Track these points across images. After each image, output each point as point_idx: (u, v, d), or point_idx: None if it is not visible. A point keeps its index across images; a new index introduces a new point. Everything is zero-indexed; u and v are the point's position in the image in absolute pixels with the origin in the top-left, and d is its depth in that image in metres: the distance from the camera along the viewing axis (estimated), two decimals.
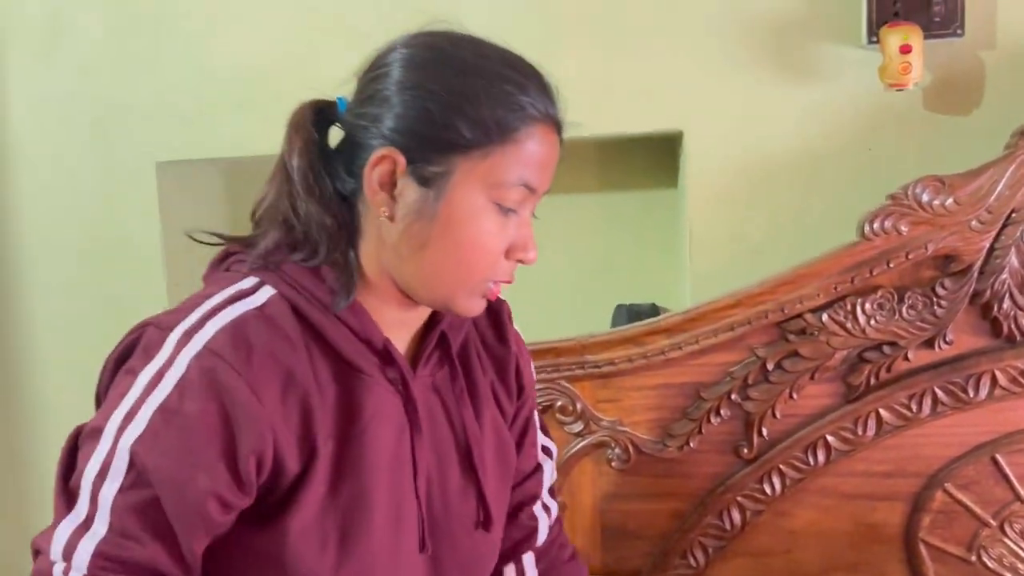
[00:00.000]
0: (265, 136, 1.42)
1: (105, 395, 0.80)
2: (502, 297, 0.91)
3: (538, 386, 1.35)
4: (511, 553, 1.00)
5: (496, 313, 0.95)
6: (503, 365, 0.94)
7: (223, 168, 1.83)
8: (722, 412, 1.35)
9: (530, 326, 1.55)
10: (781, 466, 1.34)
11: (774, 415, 1.33)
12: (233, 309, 0.77)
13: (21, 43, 1.62)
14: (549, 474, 1.02)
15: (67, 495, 0.76)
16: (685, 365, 1.35)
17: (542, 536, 1.00)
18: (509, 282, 0.83)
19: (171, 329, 0.76)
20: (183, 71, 1.58)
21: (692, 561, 1.39)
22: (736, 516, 1.36)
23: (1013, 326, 1.26)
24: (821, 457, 1.33)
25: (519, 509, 0.99)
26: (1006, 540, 1.32)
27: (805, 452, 1.33)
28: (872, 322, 1.28)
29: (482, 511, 0.89)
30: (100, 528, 0.73)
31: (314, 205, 0.78)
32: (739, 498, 1.36)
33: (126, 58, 1.60)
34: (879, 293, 1.28)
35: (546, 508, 1.02)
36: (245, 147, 1.58)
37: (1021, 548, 1.31)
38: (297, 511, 0.77)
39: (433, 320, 0.87)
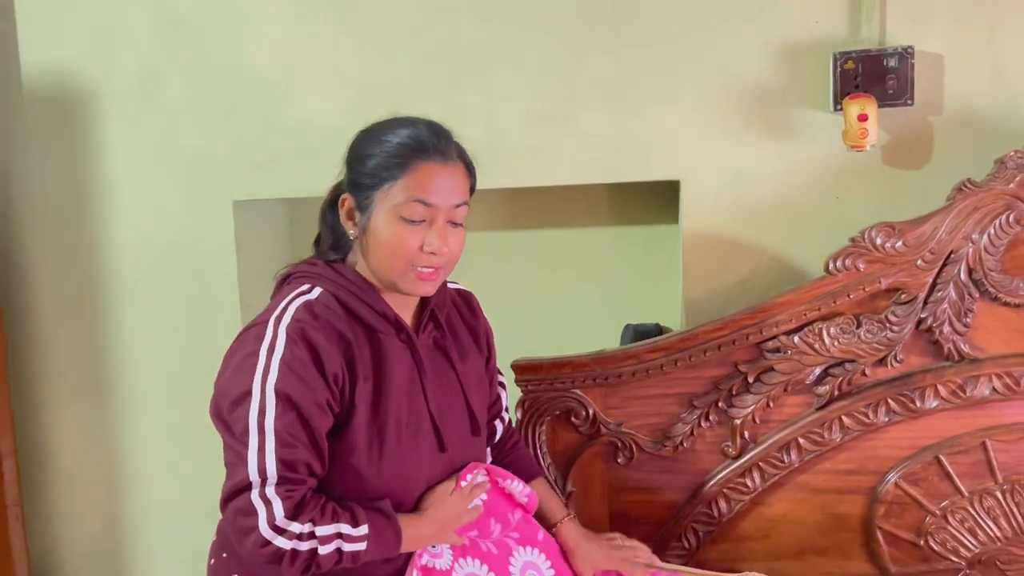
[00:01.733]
0: (323, 180, 1.73)
1: (230, 382, 1.15)
2: (468, 290, 1.40)
3: (553, 393, 1.63)
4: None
5: (468, 301, 1.39)
6: (476, 332, 1.36)
7: (288, 206, 2.10)
8: (711, 417, 1.59)
9: (549, 341, 1.82)
10: (761, 464, 1.58)
11: (755, 420, 1.58)
12: (301, 299, 1.18)
13: (118, 99, 1.89)
14: (504, 399, 1.47)
15: (239, 444, 1.11)
16: (680, 378, 1.60)
17: (498, 436, 1.46)
18: (432, 268, 1.17)
19: (267, 322, 1.16)
20: (257, 124, 1.85)
21: (685, 543, 1.63)
22: (723, 506, 1.61)
23: (952, 347, 1.50)
24: (795, 456, 1.57)
25: (488, 423, 1.40)
26: (948, 527, 1.55)
27: (781, 452, 1.57)
28: (836, 343, 1.53)
29: (472, 422, 1.30)
30: (271, 446, 1.09)
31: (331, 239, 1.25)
32: (725, 490, 1.60)
33: (208, 112, 1.86)
34: (841, 319, 1.53)
35: (501, 420, 1.46)
36: (307, 189, 1.85)
37: (961, 534, 1.54)
38: (352, 426, 1.16)
39: (425, 303, 1.26)
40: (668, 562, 1.60)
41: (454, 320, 1.34)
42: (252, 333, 1.16)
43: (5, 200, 1.98)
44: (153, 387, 1.95)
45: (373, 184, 1.16)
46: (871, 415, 1.54)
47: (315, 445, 1.13)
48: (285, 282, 1.26)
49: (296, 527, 1.09)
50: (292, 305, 1.17)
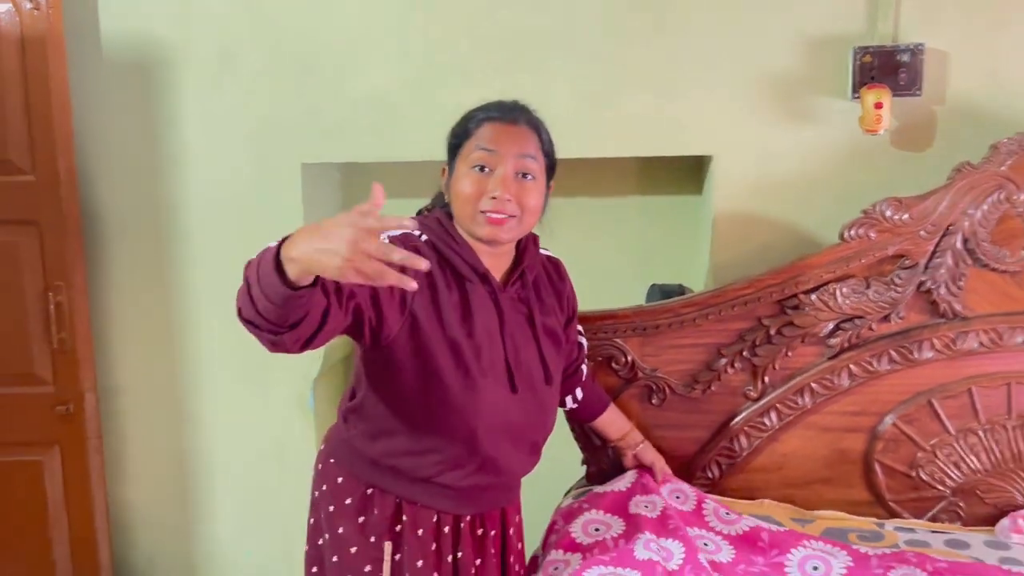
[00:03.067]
0: (385, 147, 1.92)
1: None
2: (558, 258, 1.60)
3: (596, 342, 1.84)
4: (569, 388, 1.69)
5: (556, 266, 1.59)
6: (560, 294, 1.56)
7: (343, 171, 2.29)
8: (736, 365, 1.82)
9: (585, 297, 2.04)
10: (778, 405, 1.81)
11: (774, 367, 1.80)
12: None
13: (196, 71, 2.05)
14: (583, 353, 1.69)
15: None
16: (709, 330, 1.82)
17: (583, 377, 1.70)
18: (499, 213, 1.34)
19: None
20: (325, 94, 2.03)
21: (709, 474, 1.87)
22: (743, 441, 1.84)
23: (947, 307, 1.73)
24: (807, 399, 1.80)
25: (573, 371, 1.67)
26: (936, 461, 1.79)
27: (796, 395, 1.80)
28: (847, 301, 1.76)
29: (544, 370, 1.47)
30: None
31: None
32: (746, 428, 1.83)
33: (279, 83, 2.03)
34: (853, 281, 1.75)
35: (581, 370, 1.70)
36: (371, 155, 2.04)
37: (947, 467, 1.79)
38: (426, 339, 1.34)
39: (518, 263, 1.46)
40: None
41: (542, 282, 1.54)
42: None
43: (86, 160, 2.14)
44: (221, 336, 2.14)
45: (455, 147, 1.41)
46: (875, 364, 1.77)
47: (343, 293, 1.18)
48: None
49: None
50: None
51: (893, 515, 1.81)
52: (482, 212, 1.36)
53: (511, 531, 1.57)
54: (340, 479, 1.47)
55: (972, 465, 1.78)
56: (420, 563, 1.43)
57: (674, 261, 2.25)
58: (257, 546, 2.28)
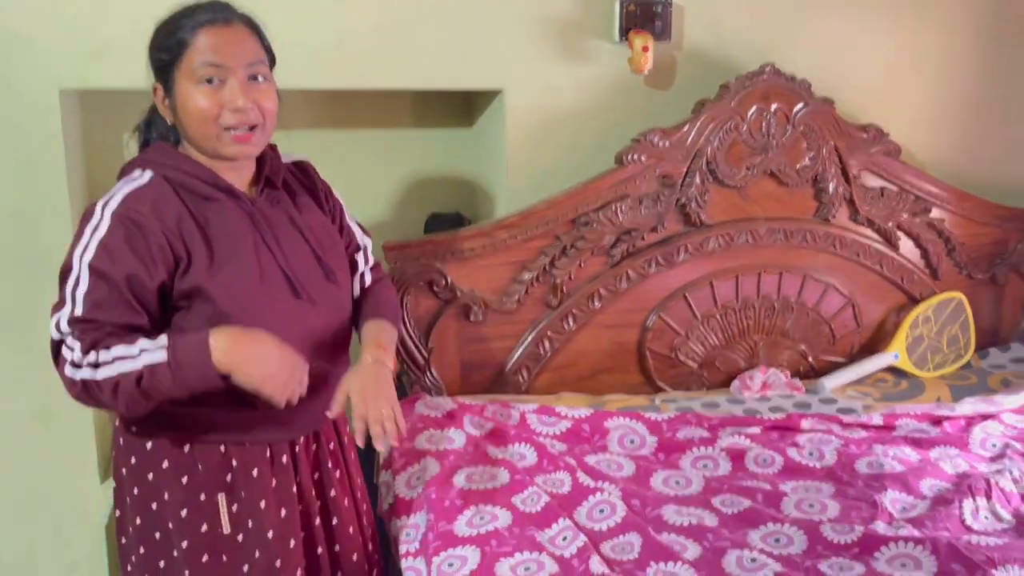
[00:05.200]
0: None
1: (64, 259, 1.30)
2: (303, 158, 1.55)
3: (418, 268, 1.95)
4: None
5: (303, 168, 1.54)
6: (315, 192, 1.53)
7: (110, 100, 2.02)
8: (540, 279, 2.06)
9: (369, 227, 2.10)
10: (574, 311, 2.09)
11: (570, 278, 2.07)
12: (130, 186, 1.33)
13: None
14: (361, 243, 1.63)
15: (54, 311, 1.29)
16: (517, 248, 2.03)
17: (367, 281, 1.63)
18: (238, 126, 1.32)
19: (95, 205, 1.31)
20: (90, 10, 1.78)
21: (520, 379, 2.10)
22: (547, 345, 2.09)
23: (696, 217, 2.13)
24: (597, 303, 2.11)
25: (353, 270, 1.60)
26: (688, 343, 2.21)
27: (587, 301, 2.09)
28: (625, 217, 2.08)
29: (323, 269, 1.45)
30: (78, 312, 1.27)
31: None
32: (549, 333, 2.09)
33: None
34: (628, 199, 2.08)
35: (372, 268, 1.65)
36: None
37: (696, 346, 2.21)
38: (198, 285, 1.32)
39: (260, 171, 1.44)
40: (505, 393, 2.07)
41: (293, 186, 1.51)
42: (85, 215, 1.31)
43: None
44: None
45: (169, 63, 1.31)
46: (645, 268, 2.12)
47: (132, 307, 1.28)
48: (126, 169, 1.38)
49: (91, 356, 1.24)
50: (120, 192, 1.32)
51: (658, 390, 2.21)
52: (226, 130, 1.32)
53: (345, 440, 1.59)
54: (149, 445, 1.40)
55: (712, 342, 2.23)
56: (263, 503, 1.42)
57: (449, 191, 2.39)
58: (21, 534, 2.00)
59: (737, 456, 1.83)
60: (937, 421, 2.02)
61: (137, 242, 1.28)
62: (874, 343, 2.39)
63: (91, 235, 1.28)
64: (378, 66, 1.96)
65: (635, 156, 2.05)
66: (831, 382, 2.25)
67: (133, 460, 1.41)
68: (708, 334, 2.22)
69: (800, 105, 2.15)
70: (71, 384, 1.26)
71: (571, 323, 2.10)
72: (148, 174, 1.34)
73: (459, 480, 1.68)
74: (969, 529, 1.60)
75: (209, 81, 1.30)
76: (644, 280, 2.13)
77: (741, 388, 2.21)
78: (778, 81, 2.12)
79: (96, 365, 1.25)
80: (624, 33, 2.07)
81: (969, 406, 2.07)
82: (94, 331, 1.26)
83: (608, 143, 2.12)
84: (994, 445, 1.93)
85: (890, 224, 2.29)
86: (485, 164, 2.26)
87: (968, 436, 1.94)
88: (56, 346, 1.29)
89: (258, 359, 1.28)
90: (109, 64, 1.81)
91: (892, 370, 2.35)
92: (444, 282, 1.98)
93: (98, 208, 1.30)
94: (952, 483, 1.74)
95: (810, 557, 1.50)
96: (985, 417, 2.05)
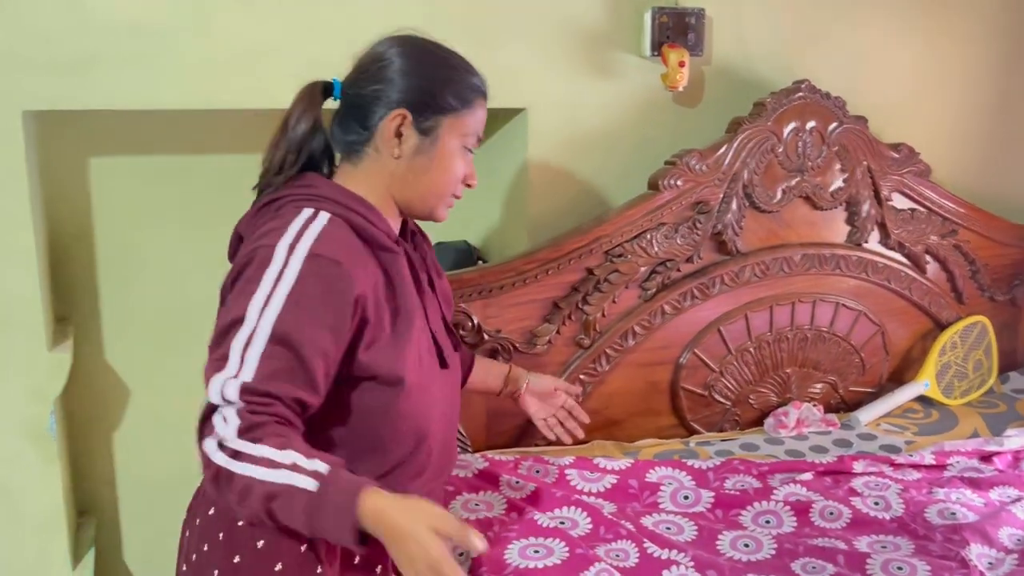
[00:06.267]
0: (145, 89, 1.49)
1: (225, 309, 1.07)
2: None
3: None
4: None
5: (420, 226, 1.37)
6: (426, 242, 1.37)
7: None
8: (572, 317, 1.87)
9: None
10: (607, 350, 1.91)
11: (603, 315, 1.89)
12: (314, 227, 1.10)
13: None
14: None
15: (219, 363, 1.03)
16: (547, 284, 1.84)
17: None
18: (459, 199, 1.26)
19: (274, 247, 1.07)
20: (60, 17, 1.50)
21: None
22: (579, 388, 1.91)
23: (732, 246, 1.99)
24: (631, 341, 1.93)
25: None
26: (722, 379, 2.07)
27: (621, 339, 1.92)
28: (661, 247, 1.91)
29: (452, 337, 1.34)
30: (248, 374, 1.01)
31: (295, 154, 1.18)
32: (580, 376, 1.90)
33: None
34: (665, 228, 1.91)
35: None
36: (125, 99, 1.59)
37: (729, 382, 2.07)
38: (377, 352, 1.13)
39: (404, 222, 1.28)
40: (536, 444, 1.88)
41: (421, 241, 1.36)
42: (257, 256, 1.07)
43: None
44: None
45: (444, 110, 1.17)
46: (681, 301, 1.96)
47: (312, 382, 1.05)
48: (274, 205, 1.15)
49: (240, 443, 0.99)
50: (307, 233, 1.09)
51: (692, 432, 2.05)
52: (453, 196, 1.24)
53: None
54: (261, 543, 1.13)
55: (745, 377, 2.08)
56: None
57: (453, 218, 2.17)
58: None
59: (801, 510, 1.68)
60: (987, 457, 1.93)
61: (334, 300, 1.06)
62: (900, 372, 2.28)
63: (274, 284, 1.05)
64: None
65: (671, 181, 1.88)
66: (865, 416, 2.13)
67: (221, 536, 1.15)
68: (742, 369, 2.07)
69: (835, 124, 2.03)
70: (207, 464, 1.00)
71: (604, 363, 1.91)
72: (324, 215, 1.12)
73: (511, 557, 1.47)
74: None
75: (469, 151, 1.23)
76: (679, 314, 1.97)
77: (777, 426, 2.07)
78: (814, 98, 1.99)
79: (237, 455, 0.98)
80: (656, 47, 1.90)
81: (1017, 440, 1.98)
82: (263, 410, 1.01)
83: (636, 165, 1.96)
84: None
85: (919, 247, 2.19)
86: (496, 188, 2.06)
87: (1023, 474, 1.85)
88: (210, 410, 1.02)
89: (410, 549, 0.96)
90: (82, 83, 1.54)
91: (920, 399, 2.25)
92: (471, 324, 1.77)
93: (280, 249, 1.06)
94: None
95: None
96: None
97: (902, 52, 2.21)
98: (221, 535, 1.16)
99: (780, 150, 1.98)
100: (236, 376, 1.01)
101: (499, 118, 1.98)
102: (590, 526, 1.58)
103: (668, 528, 1.62)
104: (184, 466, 2.02)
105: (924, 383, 2.22)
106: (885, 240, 2.16)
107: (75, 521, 1.87)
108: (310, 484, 0.96)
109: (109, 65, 1.55)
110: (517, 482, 1.68)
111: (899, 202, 2.15)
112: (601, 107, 1.93)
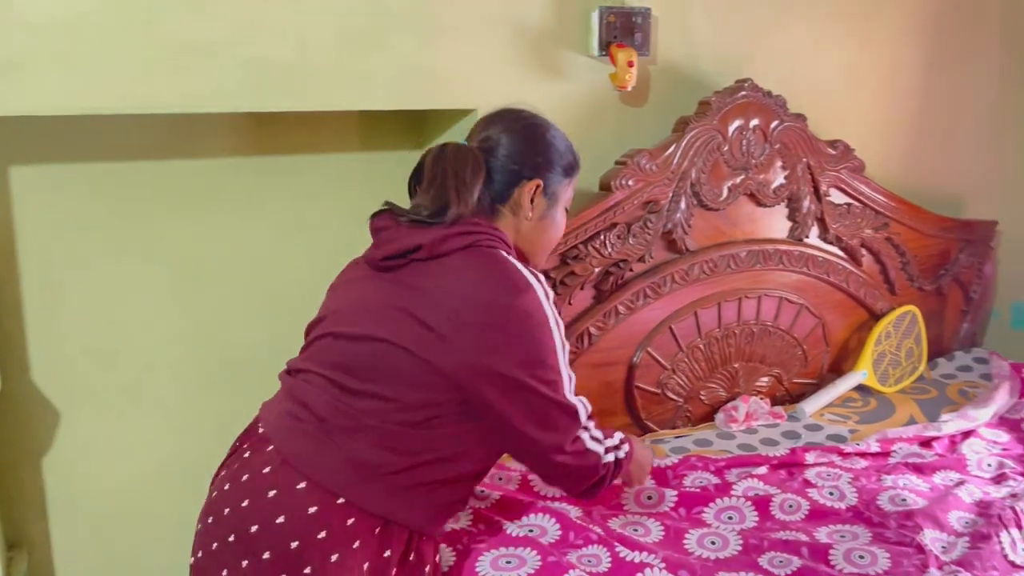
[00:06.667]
0: (78, 94, 1.43)
1: (531, 345, 1.24)
2: None
3: None
4: None
5: None
6: None
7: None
8: None
9: (308, 267, 1.82)
10: None
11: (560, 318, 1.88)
12: (523, 264, 1.29)
13: None
14: None
15: (552, 392, 1.28)
16: None
17: None
18: None
19: (528, 286, 1.24)
20: None
21: None
22: None
23: (682, 244, 2.00)
24: (586, 343, 1.93)
25: None
26: (674, 376, 2.08)
27: (578, 341, 1.91)
28: (614, 248, 1.91)
29: None
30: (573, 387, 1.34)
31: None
32: None
33: None
34: (617, 228, 1.91)
35: None
36: (55, 104, 1.48)
37: (681, 379, 2.09)
38: None
39: None
40: None
41: None
42: (520, 302, 1.21)
43: None
44: None
45: (562, 177, 1.40)
46: (634, 301, 1.96)
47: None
48: (473, 244, 1.26)
49: (609, 443, 1.40)
50: (528, 270, 1.27)
51: (646, 430, 2.06)
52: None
53: None
54: (351, 521, 1.18)
55: (696, 373, 2.11)
56: None
57: None
58: None
59: (761, 504, 1.71)
60: (926, 443, 2.00)
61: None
62: (839, 362, 2.35)
63: (550, 311, 1.27)
64: (341, 85, 1.68)
65: (623, 181, 1.88)
66: (809, 407, 2.18)
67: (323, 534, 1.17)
68: (693, 365, 2.09)
69: (776, 122, 2.06)
70: (601, 467, 1.35)
71: None
72: (511, 257, 1.29)
73: (483, 569, 1.44)
74: (1013, 564, 1.55)
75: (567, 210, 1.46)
76: (632, 314, 1.97)
77: (727, 421, 2.10)
78: (756, 97, 2.02)
79: (616, 447, 1.41)
80: (604, 46, 1.89)
81: (952, 425, 2.06)
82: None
83: (586, 165, 1.92)
84: (989, 465, 1.92)
85: (855, 241, 2.25)
86: None
87: (964, 458, 1.92)
88: (575, 437, 1.32)
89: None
90: (5, 87, 1.42)
91: (858, 388, 2.32)
92: None
93: (536, 288, 1.25)
94: (976, 514, 1.70)
95: None
96: (966, 434, 2.05)
97: (837, 53, 2.27)
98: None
99: (725, 148, 2.00)
100: (572, 392, 1.33)
101: (447, 119, 1.93)
102: (559, 532, 1.56)
103: (636, 530, 1.62)
104: (119, 490, 1.92)
105: (862, 373, 2.29)
106: (824, 235, 2.22)
107: (5, 556, 1.75)
108: (623, 451, 1.44)
109: (35, 67, 1.44)
110: (481, 491, 1.65)
111: (836, 197, 2.21)
112: (550, 107, 1.88)
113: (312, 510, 1.16)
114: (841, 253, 2.26)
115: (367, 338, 1.22)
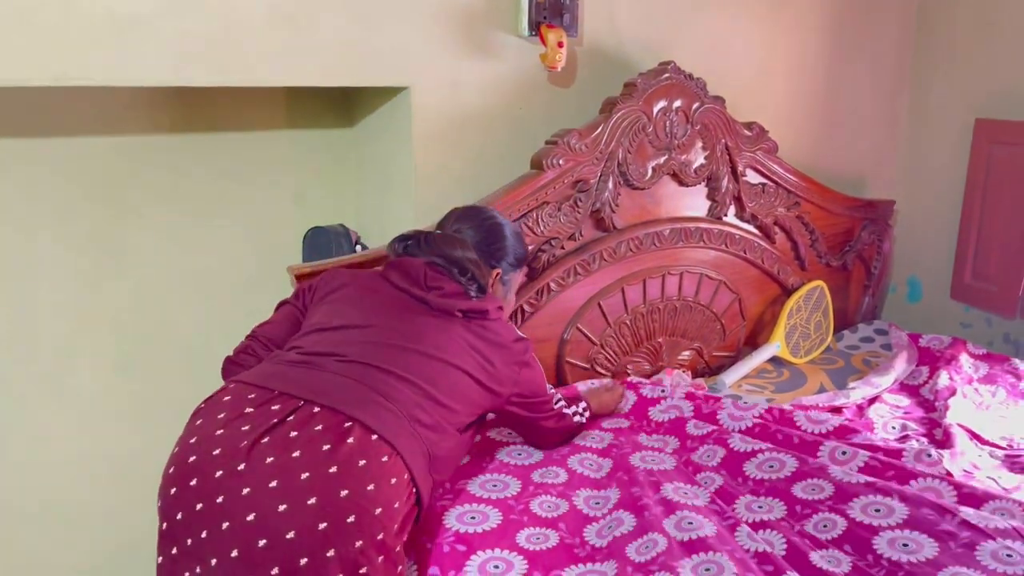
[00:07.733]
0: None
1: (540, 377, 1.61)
2: None
3: None
4: None
5: None
6: None
7: None
8: None
9: (238, 246, 1.77)
10: None
11: None
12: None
13: None
14: None
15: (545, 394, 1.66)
16: None
17: None
18: None
19: (524, 339, 1.55)
20: None
21: None
22: None
23: (610, 222, 2.05)
24: (519, 320, 1.95)
25: None
26: (603, 351, 2.14)
27: (511, 318, 1.93)
28: (546, 227, 1.93)
29: None
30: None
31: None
32: None
33: None
34: (549, 207, 1.94)
35: None
36: None
37: (608, 353, 2.15)
38: None
39: None
40: None
41: None
42: (523, 346, 1.54)
43: None
44: None
45: (516, 267, 1.65)
46: (565, 278, 2.00)
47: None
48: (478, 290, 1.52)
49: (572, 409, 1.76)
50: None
51: None
52: None
53: None
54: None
55: (623, 348, 2.16)
56: None
57: (328, 200, 2.09)
58: None
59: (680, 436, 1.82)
60: (838, 410, 2.12)
61: None
62: (754, 335, 2.46)
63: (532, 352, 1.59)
64: (271, 60, 1.64)
65: (554, 160, 1.90)
66: (728, 378, 2.27)
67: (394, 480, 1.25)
68: (620, 340, 2.15)
69: (697, 104, 2.13)
70: (574, 426, 1.77)
71: None
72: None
73: (450, 523, 1.45)
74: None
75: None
76: (563, 291, 2.01)
77: None
78: (679, 79, 2.08)
79: (581, 413, 1.80)
80: (534, 27, 1.91)
81: (859, 392, 2.19)
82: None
83: (514, 144, 1.96)
84: (894, 427, 2.04)
85: (769, 219, 2.36)
86: (376, 169, 2.00)
87: (871, 422, 2.05)
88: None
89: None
90: None
91: (772, 360, 2.43)
92: None
93: (525, 340, 1.56)
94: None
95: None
96: (871, 400, 2.18)
97: (753, 39, 2.35)
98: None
99: (650, 129, 2.06)
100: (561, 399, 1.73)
101: (377, 97, 1.91)
102: (519, 487, 1.59)
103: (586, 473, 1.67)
104: (40, 484, 1.84)
105: (776, 345, 2.40)
106: (740, 213, 2.31)
107: None
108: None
109: None
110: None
111: (752, 177, 2.30)
112: (481, 87, 1.92)
113: (393, 480, 1.23)
114: (756, 231, 2.36)
115: (453, 367, 1.41)
